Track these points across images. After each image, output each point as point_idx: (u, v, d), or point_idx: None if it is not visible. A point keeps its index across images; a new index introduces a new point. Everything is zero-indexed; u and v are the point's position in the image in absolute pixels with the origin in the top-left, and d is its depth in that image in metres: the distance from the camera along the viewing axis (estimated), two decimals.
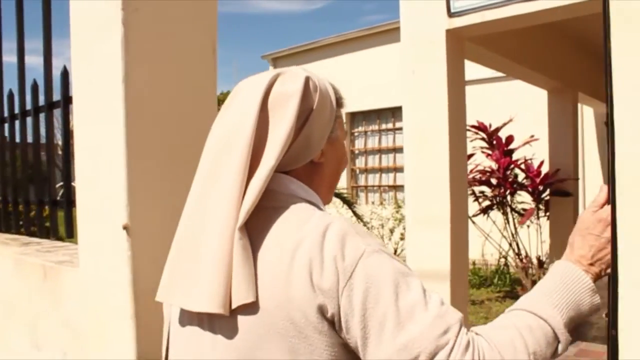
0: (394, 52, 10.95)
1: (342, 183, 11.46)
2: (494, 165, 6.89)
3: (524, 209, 6.99)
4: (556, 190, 6.55)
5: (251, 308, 0.86)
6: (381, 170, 11.83)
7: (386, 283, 0.83)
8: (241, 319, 0.87)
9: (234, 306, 0.86)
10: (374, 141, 11.96)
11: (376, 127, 11.83)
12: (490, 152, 6.93)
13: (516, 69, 5.38)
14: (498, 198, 6.94)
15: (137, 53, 1.50)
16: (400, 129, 11.54)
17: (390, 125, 11.65)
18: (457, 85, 4.05)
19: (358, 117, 12.07)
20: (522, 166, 6.76)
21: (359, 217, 8.28)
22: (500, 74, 7.49)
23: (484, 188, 6.99)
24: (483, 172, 6.85)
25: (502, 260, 7.99)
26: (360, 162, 12.22)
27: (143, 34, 1.51)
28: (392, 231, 9.69)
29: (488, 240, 7.37)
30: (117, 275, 1.60)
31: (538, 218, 6.80)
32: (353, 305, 0.82)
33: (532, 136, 6.88)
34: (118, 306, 1.61)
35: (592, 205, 1.02)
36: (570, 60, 6.55)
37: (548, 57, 5.83)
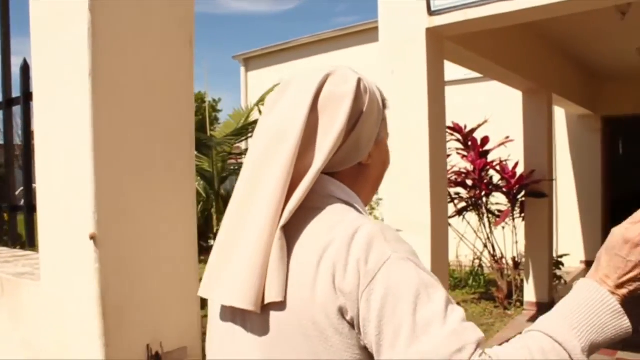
0: (368, 53, 10.88)
1: None
2: (470, 167, 6.86)
3: (499, 211, 6.97)
4: (531, 192, 6.54)
5: (279, 307, 0.88)
6: None
7: (406, 292, 0.81)
8: (269, 317, 0.89)
9: (264, 303, 0.88)
10: None
11: None
12: (465, 153, 6.89)
13: (493, 69, 5.33)
14: (474, 199, 6.91)
15: (105, 43, 1.35)
16: None
17: None
18: (437, 85, 3.96)
19: None
20: (498, 167, 6.74)
21: None
22: (474, 75, 7.48)
23: (460, 189, 6.96)
24: (459, 173, 6.82)
25: (477, 261, 7.97)
26: None
27: (112, 21, 1.36)
28: None
29: (463, 241, 7.35)
30: (84, 290, 1.44)
31: (513, 219, 6.79)
32: (371, 310, 0.81)
33: (508, 137, 6.87)
34: (85, 324, 1.45)
35: (627, 221, 0.90)
36: (545, 61, 6.55)
37: (524, 57, 5.81)
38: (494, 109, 8.34)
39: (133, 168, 1.43)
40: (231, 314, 0.97)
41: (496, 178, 6.89)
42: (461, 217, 6.93)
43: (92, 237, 1.39)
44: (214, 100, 25.05)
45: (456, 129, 6.82)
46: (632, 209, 0.92)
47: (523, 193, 6.64)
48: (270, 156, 0.93)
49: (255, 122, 7.76)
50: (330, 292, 0.84)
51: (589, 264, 9.01)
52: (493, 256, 6.99)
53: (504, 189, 6.69)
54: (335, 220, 0.91)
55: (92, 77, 1.34)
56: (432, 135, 3.81)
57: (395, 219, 3.91)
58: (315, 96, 0.95)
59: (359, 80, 0.99)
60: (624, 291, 0.86)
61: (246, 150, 9.51)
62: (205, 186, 7.63)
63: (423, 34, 3.85)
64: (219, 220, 7.82)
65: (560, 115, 9.05)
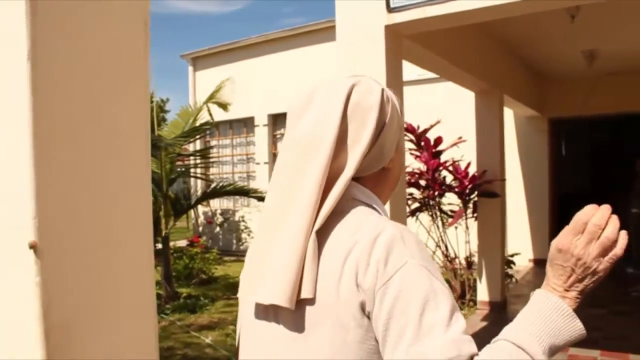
0: (318, 54, 10.82)
1: (265, 186, 11.15)
2: (423, 167, 6.85)
3: (452, 211, 6.99)
4: (484, 192, 6.58)
5: (310, 302, 0.96)
6: None
7: (416, 297, 0.89)
8: (302, 312, 0.97)
9: (298, 300, 0.96)
10: None
11: None
12: (419, 154, 6.88)
13: (448, 69, 5.32)
14: (427, 200, 6.90)
15: (47, 22, 1.17)
16: None
17: None
18: (396, 84, 3.88)
19: (280, 119, 11.81)
20: (450, 168, 6.75)
21: None
22: (427, 76, 7.50)
23: (413, 190, 6.93)
24: (412, 174, 6.78)
25: None
26: None
27: None
28: None
29: None
30: (23, 307, 1.25)
31: (466, 219, 6.81)
32: (382, 308, 0.90)
33: (460, 138, 6.89)
34: (24, 346, 1.26)
35: (561, 232, 0.97)
36: (497, 62, 6.62)
37: (478, 58, 5.83)
38: (447, 110, 8.39)
39: (82, 166, 1.25)
40: (264, 312, 1.04)
41: (449, 178, 6.90)
42: (415, 218, 6.91)
43: (32, 246, 1.20)
44: (162, 100, 24.45)
45: (409, 129, 6.79)
46: (575, 209, 0.98)
47: (476, 193, 6.67)
48: (305, 163, 1.01)
49: (207, 123, 7.54)
50: (353, 288, 0.93)
51: (537, 262, 9.20)
52: (446, 256, 7.00)
53: (457, 190, 6.70)
54: (359, 223, 0.99)
55: (31, 62, 1.16)
56: None
57: None
58: (345, 106, 1.02)
59: (383, 91, 1.07)
60: (573, 294, 0.94)
61: (196, 151, 9.26)
62: (153, 188, 7.34)
63: (382, 31, 3.76)
64: (167, 223, 7.56)
65: (508, 116, 9.20)
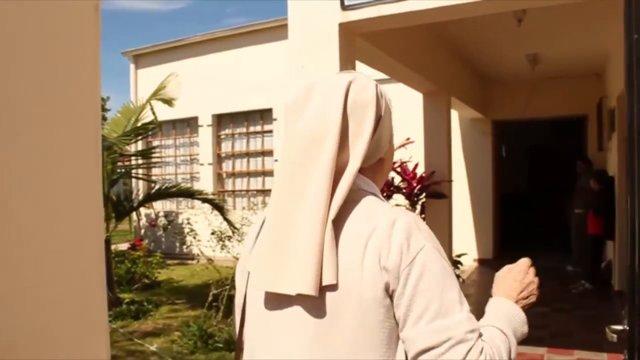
0: (263, 53, 10.67)
1: (209, 187, 10.91)
2: None
3: None
4: (432, 193, 6.62)
5: (332, 288, 1.02)
6: (249, 174, 11.43)
7: (437, 277, 1.02)
8: (324, 298, 1.03)
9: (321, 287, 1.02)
10: (241, 144, 11.52)
11: (244, 130, 11.41)
12: None
13: (399, 70, 5.31)
14: None
15: None
16: (270, 131, 11.31)
17: (258, 128, 11.28)
18: None
19: (225, 119, 11.59)
20: (399, 169, 6.76)
21: (230, 223, 7.82)
22: (375, 77, 7.46)
23: None
24: None
25: None
26: (227, 166, 11.72)
27: None
28: None
29: None
30: None
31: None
32: (407, 286, 1.00)
33: (408, 139, 6.90)
34: None
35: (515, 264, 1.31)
36: (445, 64, 6.68)
37: (427, 59, 5.86)
38: (395, 111, 8.41)
39: (23, 167, 1.10)
40: (279, 301, 1.08)
41: (397, 179, 6.92)
42: None
43: None
44: (102, 99, 23.64)
45: None
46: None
47: (424, 194, 6.70)
48: (311, 156, 1.07)
49: (152, 122, 7.26)
50: (377, 271, 1.01)
51: (482, 262, 9.37)
52: None
53: (405, 191, 6.72)
54: (372, 211, 1.08)
55: None
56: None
57: None
58: (344, 102, 1.09)
59: (376, 87, 1.15)
60: (519, 304, 1.20)
61: (139, 151, 8.94)
62: None
63: (336, 29, 3.70)
64: (108, 226, 7.25)
65: (454, 118, 9.33)
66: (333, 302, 1.02)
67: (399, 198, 6.93)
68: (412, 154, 7.06)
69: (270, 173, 11.05)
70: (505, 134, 10.66)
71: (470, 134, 9.63)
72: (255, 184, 11.38)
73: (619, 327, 1.60)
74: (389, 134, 1.19)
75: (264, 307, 1.11)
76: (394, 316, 1.02)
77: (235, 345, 1.27)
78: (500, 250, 9.82)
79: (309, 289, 1.00)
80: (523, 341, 1.14)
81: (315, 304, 1.03)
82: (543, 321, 5.64)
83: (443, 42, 6.43)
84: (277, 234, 1.07)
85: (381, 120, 1.13)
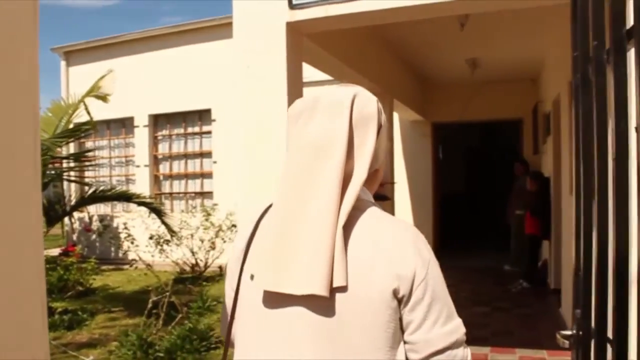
0: (202, 52, 10.41)
1: (146, 190, 10.53)
2: None
3: None
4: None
5: (342, 290, 1.08)
6: (187, 176, 11.15)
7: (443, 286, 1.15)
8: (334, 299, 1.08)
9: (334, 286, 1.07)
10: (179, 145, 11.23)
11: (182, 131, 11.12)
12: None
13: (343, 71, 5.28)
14: None
15: None
16: (208, 132, 11.04)
17: (197, 129, 11.02)
18: (295, 83, 3.75)
19: (162, 120, 11.26)
20: None
21: (168, 227, 7.56)
22: (312, 79, 7.46)
23: None
24: None
25: None
26: (164, 168, 11.40)
27: None
28: (202, 241, 9.11)
29: None
30: None
31: None
32: (425, 295, 1.10)
33: None
34: None
35: None
36: (389, 66, 6.72)
37: (372, 61, 5.87)
38: None
39: None
40: (278, 301, 1.12)
41: None
42: None
43: None
44: None
45: None
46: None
47: None
48: (319, 165, 1.13)
49: (87, 122, 6.89)
50: (387, 276, 1.09)
51: None
52: None
53: None
54: (377, 220, 1.16)
55: None
56: None
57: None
58: (350, 114, 1.15)
59: (377, 101, 1.22)
60: None
61: (73, 154, 8.51)
62: None
63: (283, 28, 3.61)
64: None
65: (394, 120, 9.44)
66: (341, 303, 1.08)
67: None
68: None
69: (208, 175, 10.81)
70: (445, 136, 10.87)
71: (411, 136, 9.75)
72: (194, 186, 11.11)
73: (568, 332, 1.62)
74: (385, 146, 1.26)
75: (263, 306, 1.15)
76: (400, 318, 1.11)
77: (223, 343, 1.32)
78: (440, 251, 9.98)
79: (321, 290, 1.05)
80: (467, 341, 1.17)
81: (323, 305, 1.08)
82: (485, 320, 5.75)
83: (387, 44, 6.46)
84: (285, 235, 1.11)
85: (380, 132, 1.20)
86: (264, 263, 1.13)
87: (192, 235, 9.13)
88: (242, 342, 1.20)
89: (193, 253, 9.15)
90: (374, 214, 1.16)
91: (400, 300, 1.09)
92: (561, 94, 5.90)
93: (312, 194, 1.10)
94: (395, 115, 9.20)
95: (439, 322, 1.10)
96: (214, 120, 10.56)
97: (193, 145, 11.10)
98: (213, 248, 9.06)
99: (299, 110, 1.21)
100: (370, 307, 1.07)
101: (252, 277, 1.16)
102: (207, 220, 9.19)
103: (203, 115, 10.81)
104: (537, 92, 8.66)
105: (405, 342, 1.12)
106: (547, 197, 7.06)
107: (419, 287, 1.09)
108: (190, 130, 11.08)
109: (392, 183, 6.87)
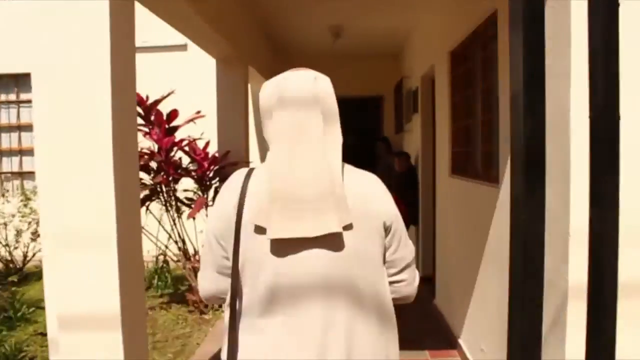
0: (12, 8, 8.54)
1: None
2: (154, 146, 5.67)
3: (188, 199, 5.95)
4: (227, 176, 5.66)
5: (348, 226, 1.36)
6: (1, 153, 9.22)
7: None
8: (340, 236, 1.36)
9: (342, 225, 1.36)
10: None
11: None
12: (148, 130, 5.67)
13: (192, 21, 4.18)
14: (159, 186, 5.73)
15: None
16: (28, 101, 9.16)
17: (12, 97, 9.08)
18: (128, 47, 2.66)
19: None
20: (187, 148, 5.70)
21: None
22: (154, 44, 6.30)
23: (143, 175, 5.67)
24: (141, 154, 5.51)
25: (162, 257, 6.87)
26: None
27: None
28: (19, 233, 7.47)
29: (145, 234, 6.10)
30: None
31: (206, 207, 5.79)
32: (398, 225, 1.50)
33: (199, 112, 5.84)
34: None
35: None
36: (244, 29, 5.78)
37: (226, 17, 4.87)
38: (184, 82, 7.28)
39: None
40: (291, 247, 1.34)
41: (186, 160, 5.85)
42: (144, 207, 5.69)
43: None
44: None
45: (138, 100, 5.50)
46: None
47: (218, 178, 5.75)
48: (306, 132, 1.42)
49: None
50: (379, 212, 1.44)
51: None
52: (184, 252, 5.94)
53: (196, 174, 5.70)
54: (356, 173, 1.50)
55: None
56: (115, 103, 2.48)
57: (57, 229, 2.47)
58: (317, 93, 1.47)
59: (329, 80, 1.53)
60: None
61: None
62: None
63: None
64: None
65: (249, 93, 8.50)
66: (350, 236, 1.37)
67: (187, 182, 5.88)
68: (203, 129, 6.03)
69: (29, 152, 9.01)
70: None
71: None
72: (9, 164, 9.20)
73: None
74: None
75: (275, 256, 1.35)
76: (384, 242, 1.47)
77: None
78: None
79: (337, 228, 1.32)
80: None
81: (335, 242, 1.35)
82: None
83: (244, 5, 5.49)
84: (288, 188, 1.35)
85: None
86: (273, 215, 1.32)
87: (5, 225, 7.47)
88: (256, 293, 1.37)
89: (7, 246, 7.47)
90: (351, 169, 1.50)
91: (387, 230, 1.45)
92: (436, 66, 5.38)
93: (308, 156, 1.39)
94: (250, 89, 8.28)
95: (407, 243, 1.53)
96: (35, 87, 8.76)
97: (8, 117, 9.15)
98: (34, 240, 7.42)
99: (272, 95, 1.47)
100: (368, 235, 1.41)
101: (258, 230, 1.35)
102: (25, 206, 7.57)
103: (21, 81, 8.94)
104: (399, 68, 8.23)
105: (385, 261, 1.48)
106: (415, 178, 6.62)
107: (394, 219, 1.47)
108: (3, 98, 9.14)
109: (247, 162, 5.98)
